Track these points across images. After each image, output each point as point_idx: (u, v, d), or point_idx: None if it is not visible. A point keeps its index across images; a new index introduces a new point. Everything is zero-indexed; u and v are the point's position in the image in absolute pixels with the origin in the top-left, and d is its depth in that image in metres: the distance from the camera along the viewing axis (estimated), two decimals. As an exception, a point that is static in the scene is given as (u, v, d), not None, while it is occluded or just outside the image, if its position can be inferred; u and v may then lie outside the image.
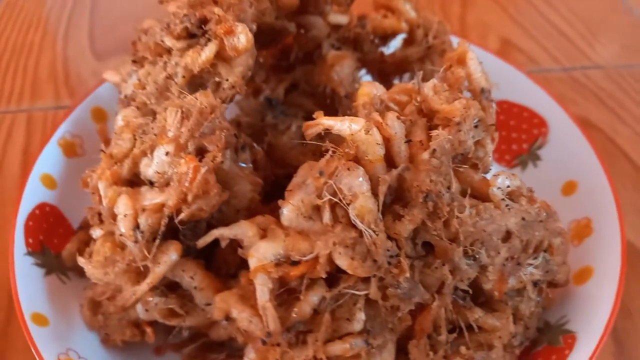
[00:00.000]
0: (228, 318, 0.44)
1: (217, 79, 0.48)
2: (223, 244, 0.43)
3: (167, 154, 0.42)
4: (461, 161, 0.47)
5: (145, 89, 0.50)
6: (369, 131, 0.41)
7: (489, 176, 0.48)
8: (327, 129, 0.44)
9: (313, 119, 0.62)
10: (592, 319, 0.49)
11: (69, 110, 0.67)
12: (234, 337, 0.50)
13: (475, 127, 0.46)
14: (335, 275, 0.42)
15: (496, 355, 0.46)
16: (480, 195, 0.47)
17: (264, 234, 0.42)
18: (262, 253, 0.41)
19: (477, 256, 0.44)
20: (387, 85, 0.66)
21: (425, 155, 0.43)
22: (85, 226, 0.61)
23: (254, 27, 0.49)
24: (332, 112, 0.63)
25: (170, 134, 0.42)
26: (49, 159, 0.61)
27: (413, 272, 0.43)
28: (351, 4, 0.61)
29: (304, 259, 0.41)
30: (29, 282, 0.52)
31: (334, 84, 0.59)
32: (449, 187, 0.44)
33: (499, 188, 0.46)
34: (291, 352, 0.40)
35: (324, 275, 0.41)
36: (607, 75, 0.89)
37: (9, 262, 0.52)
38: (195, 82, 0.49)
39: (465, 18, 0.99)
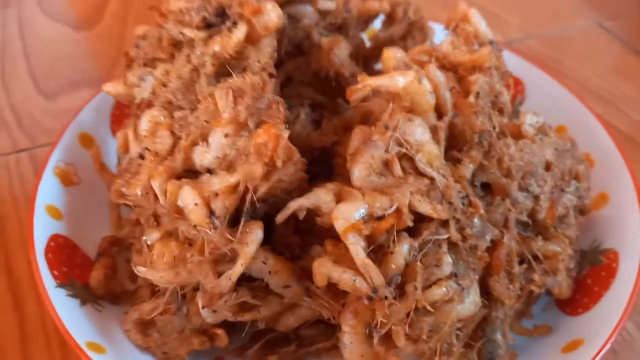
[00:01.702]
0: (310, 294, 0.43)
1: (244, 65, 0.48)
2: (301, 215, 0.42)
3: (226, 135, 0.41)
4: (491, 107, 0.50)
5: (167, 87, 0.48)
6: (421, 81, 0.43)
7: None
8: (375, 89, 0.45)
9: (320, 105, 0.63)
10: (625, 232, 0.53)
11: (55, 139, 0.62)
12: (303, 324, 0.49)
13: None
14: (414, 227, 0.43)
15: (561, 278, 0.49)
16: (514, 136, 0.50)
17: (338, 199, 0.42)
18: (347, 213, 0.40)
19: (529, 188, 0.47)
20: (368, 71, 0.69)
21: (471, 98, 0.45)
22: (104, 252, 0.57)
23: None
24: (337, 94, 0.64)
25: (225, 115, 0.41)
26: (50, 190, 0.57)
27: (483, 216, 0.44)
28: (336, -11, 0.63)
29: (387, 212, 0.41)
30: (69, 313, 0.47)
31: (336, 66, 0.60)
32: (494, 127, 0.46)
33: (530, 124, 0.50)
34: (398, 304, 0.40)
35: (410, 224, 0.41)
36: (543, 42, 0.98)
37: (43, 295, 0.47)
38: (222, 72, 0.48)
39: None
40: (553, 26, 1.03)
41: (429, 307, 0.40)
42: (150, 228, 0.43)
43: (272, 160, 0.39)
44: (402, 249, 0.41)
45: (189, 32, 0.46)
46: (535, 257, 0.48)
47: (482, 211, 0.43)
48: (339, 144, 0.55)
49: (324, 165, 0.58)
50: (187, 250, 0.41)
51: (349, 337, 0.41)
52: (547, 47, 0.97)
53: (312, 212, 0.43)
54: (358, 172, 0.42)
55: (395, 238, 0.41)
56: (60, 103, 0.88)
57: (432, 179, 0.42)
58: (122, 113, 0.68)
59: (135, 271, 0.43)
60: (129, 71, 0.52)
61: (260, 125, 0.41)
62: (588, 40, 0.99)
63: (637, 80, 0.91)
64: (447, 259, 0.42)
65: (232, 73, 0.45)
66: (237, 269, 0.39)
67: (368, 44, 0.69)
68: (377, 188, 0.42)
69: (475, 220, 0.43)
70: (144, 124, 0.47)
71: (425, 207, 0.41)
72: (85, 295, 0.51)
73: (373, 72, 0.69)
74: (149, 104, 0.49)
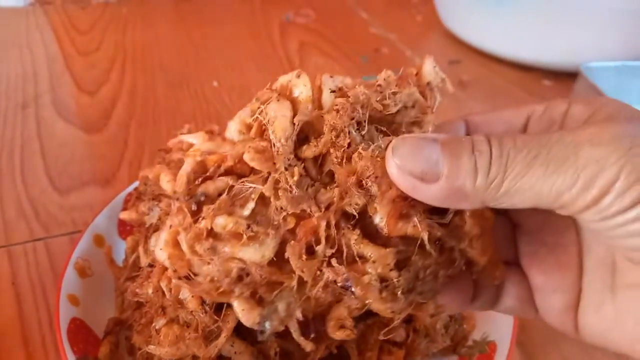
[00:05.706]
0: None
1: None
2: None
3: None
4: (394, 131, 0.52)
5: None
6: (299, 75, 0.53)
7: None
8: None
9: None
10: (502, 329, 0.72)
11: (76, 239, 0.80)
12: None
13: (413, 107, 0.51)
14: (245, 174, 0.52)
15: (368, 280, 0.46)
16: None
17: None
18: (198, 146, 0.57)
19: (369, 188, 0.47)
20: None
21: (339, 99, 0.50)
22: (110, 331, 0.73)
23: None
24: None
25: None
26: (70, 281, 0.74)
27: (308, 188, 0.49)
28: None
29: (221, 151, 0.54)
30: (86, 382, 0.63)
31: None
32: (359, 129, 0.48)
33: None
34: (188, 213, 0.51)
35: (230, 163, 0.52)
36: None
37: (66, 368, 0.63)
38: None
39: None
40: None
41: (208, 225, 0.49)
42: (159, 316, 0.60)
43: (241, 276, 0.57)
44: (217, 183, 0.52)
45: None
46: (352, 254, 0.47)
47: (296, 177, 0.49)
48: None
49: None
50: (186, 330, 0.58)
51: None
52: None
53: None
54: (231, 125, 0.56)
55: (218, 174, 0.52)
56: (72, 199, 1.06)
57: (271, 143, 0.50)
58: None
59: (147, 349, 0.59)
60: (141, 203, 0.71)
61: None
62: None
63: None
64: (250, 204, 0.50)
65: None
66: (221, 339, 0.56)
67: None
68: (234, 141, 0.55)
69: (294, 187, 0.48)
70: (153, 242, 0.65)
71: (246, 156, 0.50)
72: (96, 367, 0.67)
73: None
74: (156, 228, 0.67)
